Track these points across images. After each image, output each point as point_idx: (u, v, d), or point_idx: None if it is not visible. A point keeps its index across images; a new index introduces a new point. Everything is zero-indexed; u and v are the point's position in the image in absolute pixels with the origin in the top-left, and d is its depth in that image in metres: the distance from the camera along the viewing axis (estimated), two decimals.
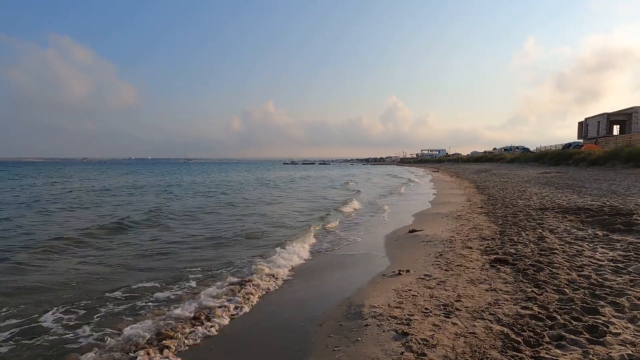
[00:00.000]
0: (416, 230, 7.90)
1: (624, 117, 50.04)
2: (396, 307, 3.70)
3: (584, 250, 5.38)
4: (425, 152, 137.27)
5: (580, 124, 57.75)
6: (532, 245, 5.84)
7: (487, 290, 3.97)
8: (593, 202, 10.21)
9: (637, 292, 3.65)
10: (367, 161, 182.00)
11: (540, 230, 6.86)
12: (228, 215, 11.53)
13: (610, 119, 51.14)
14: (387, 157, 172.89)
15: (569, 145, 45.93)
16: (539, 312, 3.33)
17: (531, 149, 61.80)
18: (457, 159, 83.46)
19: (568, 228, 6.93)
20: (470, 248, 5.94)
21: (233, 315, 3.93)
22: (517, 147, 68.93)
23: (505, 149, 71.03)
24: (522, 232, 6.83)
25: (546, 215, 8.65)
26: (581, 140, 53.53)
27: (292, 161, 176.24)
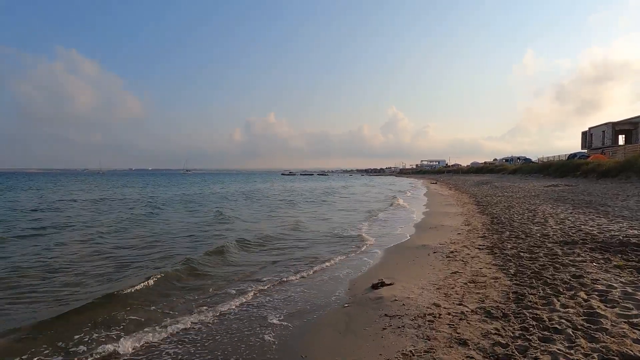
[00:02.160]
0: (384, 284, 5.12)
1: (629, 127, 47.87)
2: None
3: None
4: (425, 162, 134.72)
5: (584, 133, 55.40)
6: (581, 338, 3.07)
7: None
8: (636, 232, 7.45)
9: None
10: (366, 172, 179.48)
11: (583, 296, 4.08)
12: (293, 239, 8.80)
13: (616, 128, 48.87)
14: (386, 168, 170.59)
15: (574, 155, 43.26)
16: None
17: (533, 160, 59.15)
18: (456, 170, 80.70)
19: (629, 290, 4.15)
20: (466, 345, 3.16)
21: None
22: (518, 158, 66.28)
23: (506, 160, 68.39)
24: (553, 298, 4.05)
25: (578, 255, 5.88)
26: (585, 151, 51.06)
27: (290, 172, 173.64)
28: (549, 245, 6.77)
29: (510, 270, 5.30)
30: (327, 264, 6.89)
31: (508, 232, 8.44)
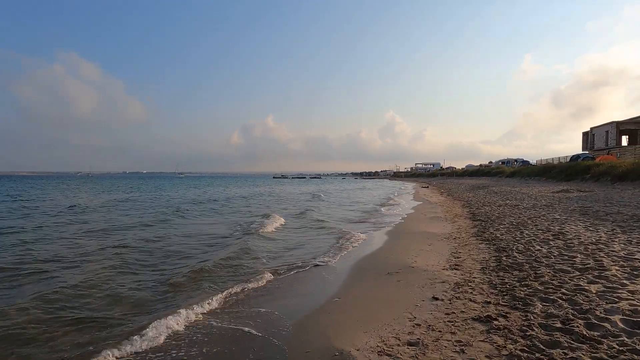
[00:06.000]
0: None
1: (634, 126, 44.23)
2: None
3: None
4: (420, 165, 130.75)
5: (584, 134, 51.64)
6: None
7: None
8: None
9: None
10: (360, 175, 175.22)
11: None
12: None
13: (620, 128, 45.00)
14: (381, 171, 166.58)
15: (577, 157, 39.18)
16: None
17: (531, 162, 55.08)
18: (451, 173, 76.44)
19: None
20: None
21: None
22: (515, 160, 62.24)
23: (503, 162, 64.29)
24: None
25: None
26: (588, 152, 47.17)
27: (282, 175, 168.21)
28: None
29: None
30: None
31: (540, 305, 3.87)
